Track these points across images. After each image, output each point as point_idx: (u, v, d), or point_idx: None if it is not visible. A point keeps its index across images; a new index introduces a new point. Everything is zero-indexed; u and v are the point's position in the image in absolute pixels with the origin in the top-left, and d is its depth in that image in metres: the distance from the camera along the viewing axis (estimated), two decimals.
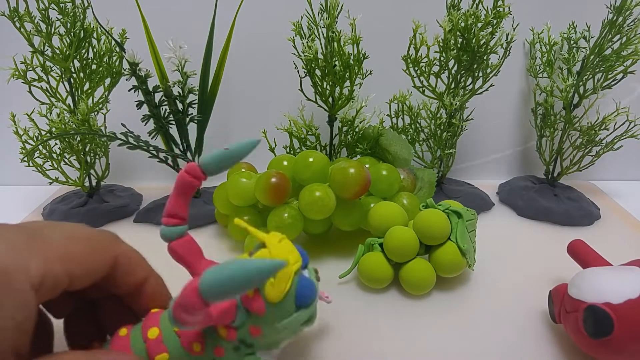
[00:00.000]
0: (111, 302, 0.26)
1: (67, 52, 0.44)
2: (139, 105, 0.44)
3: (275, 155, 0.45)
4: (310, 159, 0.39)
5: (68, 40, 0.44)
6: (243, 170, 0.43)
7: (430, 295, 0.36)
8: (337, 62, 0.43)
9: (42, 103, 0.46)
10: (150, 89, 0.43)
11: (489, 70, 0.45)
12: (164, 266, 0.26)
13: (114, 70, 0.48)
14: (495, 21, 0.43)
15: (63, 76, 0.45)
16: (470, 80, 0.46)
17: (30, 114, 0.46)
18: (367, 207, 0.40)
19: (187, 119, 0.46)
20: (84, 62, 0.45)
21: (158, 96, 0.44)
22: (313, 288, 0.24)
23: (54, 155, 0.47)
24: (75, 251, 0.21)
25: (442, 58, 0.45)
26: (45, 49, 0.43)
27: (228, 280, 0.18)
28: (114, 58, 0.48)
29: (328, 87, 0.45)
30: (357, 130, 0.47)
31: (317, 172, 0.39)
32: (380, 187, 0.40)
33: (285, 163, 0.42)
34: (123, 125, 0.42)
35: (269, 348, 0.25)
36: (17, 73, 0.43)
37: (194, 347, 0.24)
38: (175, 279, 0.25)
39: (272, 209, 0.39)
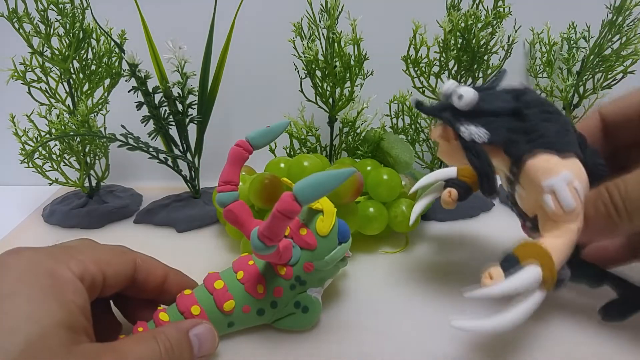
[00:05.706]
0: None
1: (67, 53, 0.44)
2: (139, 106, 0.44)
3: (275, 156, 0.45)
4: (305, 163, 0.39)
5: (67, 41, 0.44)
6: (243, 173, 0.43)
7: (429, 295, 0.36)
8: (337, 63, 0.43)
9: (42, 104, 0.46)
10: (150, 90, 0.43)
11: (489, 71, 0.45)
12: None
13: (114, 71, 0.48)
14: (495, 21, 0.43)
15: (62, 77, 0.45)
16: (470, 80, 0.46)
17: (30, 115, 0.46)
18: (365, 211, 0.40)
19: (187, 120, 0.46)
20: (83, 63, 0.45)
21: (158, 97, 0.44)
22: (348, 228, 0.30)
23: (54, 157, 0.47)
24: (103, 256, 0.25)
25: (442, 58, 0.45)
26: (44, 50, 0.43)
27: (316, 184, 0.23)
28: (114, 59, 0.48)
29: (328, 88, 0.45)
30: (358, 131, 0.47)
31: None
32: (381, 191, 0.40)
33: (282, 165, 0.42)
34: (123, 127, 0.42)
35: (316, 286, 0.30)
36: (16, 74, 0.43)
37: (258, 289, 0.28)
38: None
39: (267, 211, 0.39)
